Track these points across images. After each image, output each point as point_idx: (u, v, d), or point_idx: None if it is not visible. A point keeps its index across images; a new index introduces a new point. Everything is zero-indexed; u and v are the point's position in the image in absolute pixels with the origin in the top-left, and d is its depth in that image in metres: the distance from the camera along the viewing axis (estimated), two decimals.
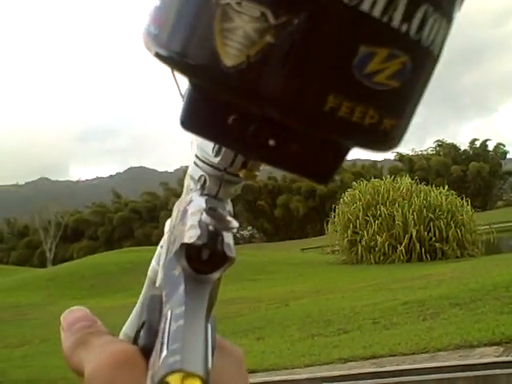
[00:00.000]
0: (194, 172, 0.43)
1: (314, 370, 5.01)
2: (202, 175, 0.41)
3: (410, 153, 69.32)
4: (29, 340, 10.33)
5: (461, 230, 20.52)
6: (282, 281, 17.56)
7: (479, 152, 67.10)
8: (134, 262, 20.72)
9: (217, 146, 0.39)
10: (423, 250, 19.89)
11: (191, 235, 0.34)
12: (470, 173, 63.36)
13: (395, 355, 5.26)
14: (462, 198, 22.09)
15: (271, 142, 0.29)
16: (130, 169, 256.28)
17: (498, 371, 1.97)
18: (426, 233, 20.18)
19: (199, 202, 0.38)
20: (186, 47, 0.28)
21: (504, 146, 68.06)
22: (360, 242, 20.84)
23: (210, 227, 0.35)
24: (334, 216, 22.51)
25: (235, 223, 0.37)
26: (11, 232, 67.62)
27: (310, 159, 0.30)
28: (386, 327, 6.71)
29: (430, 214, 20.60)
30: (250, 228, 68.97)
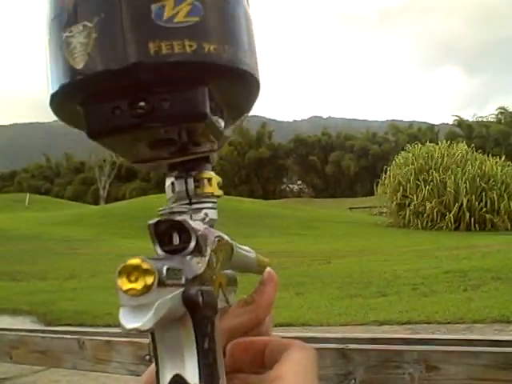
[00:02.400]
0: None
1: (348, 329, 5.12)
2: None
3: (470, 118, 67.53)
4: (78, 274, 10.78)
5: None
6: (327, 238, 17.66)
7: None
8: None
9: (169, 185, 0.45)
10: (472, 219, 19.61)
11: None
12: None
13: (430, 323, 5.32)
14: None
15: (142, 105, 0.36)
16: None
17: None
18: (477, 202, 19.85)
19: None
20: (59, 76, 0.37)
21: None
22: (409, 206, 20.67)
23: (169, 211, 0.40)
24: (385, 178, 22.33)
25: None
26: (68, 167, 69.46)
27: (183, 107, 0.37)
28: (425, 294, 6.75)
29: (483, 184, 20.22)
30: (299, 182, 68.96)
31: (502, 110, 67.82)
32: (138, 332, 0.32)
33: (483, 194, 20.05)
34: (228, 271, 0.45)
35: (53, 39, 0.38)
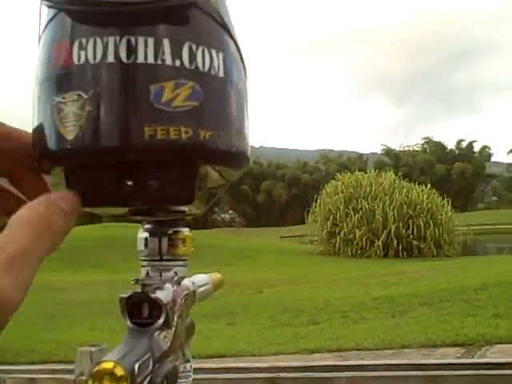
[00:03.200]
0: (141, 274, 0.46)
1: (280, 358, 5.10)
2: (146, 270, 0.45)
3: (398, 148, 69.70)
4: None
5: (439, 230, 20.74)
6: (258, 267, 17.66)
7: (465, 152, 67.55)
8: (112, 238, 20.72)
9: (144, 240, 0.44)
10: (400, 246, 20.09)
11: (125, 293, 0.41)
12: (454, 172, 63.79)
13: (360, 349, 5.36)
14: (443, 198, 22.30)
15: (130, 183, 0.36)
16: None
17: (446, 372, 2.05)
18: (404, 230, 20.37)
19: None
20: (46, 143, 0.37)
21: (489, 148, 68.62)
22: (339, 234, 20.98)
23: (142, 283, 0.42)
24: (316, 206, 22.63)
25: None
26: None
27: (170, 187, 0.37)
28: (355, 321, 6.82)
29: (409, 211, 20.79)
30: (231, 212, 69.01)
31: (427, 140, 70.49)
32: None
33: (410, 221, 20.60)
34: (187, 321, 0.46)
35: (43, 98, 0.37)
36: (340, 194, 21.73)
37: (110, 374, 0.33)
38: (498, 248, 24.08)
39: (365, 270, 13.99)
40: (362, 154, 75.47)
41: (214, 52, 0.37)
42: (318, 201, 22.62)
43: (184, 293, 0.43)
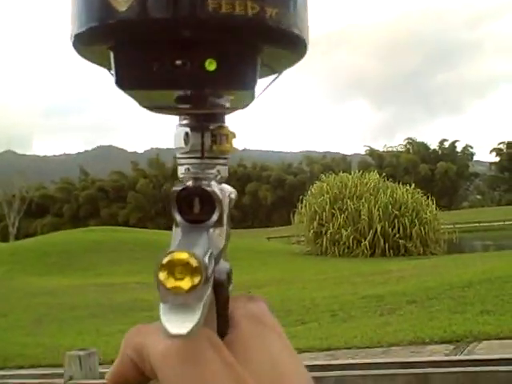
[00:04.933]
0: (180, 172, 0.42)
1: None
2: (185, 168, 0.41)
3: (381, 149, 70.10)
4: None
5: (424, 228, 20.88)
6: (246, 268, 17.63)
7: (448, 152, 68.05)
8: (98, 242, 20.60)
9: (184, 136, 0.39)
10: (387, 245, 20.19)
11: (177, 186, 0.37)
12: (438, 172, 64.24)
13: (350, 348, 5.38)
14: (427, 197, 22.46)
15: (187, 63, 0.33)
16: (99, 147, 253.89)
17: (434, 370, 2.07)
18: (390, 229, 20.48)
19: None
20: (88, 18, 0.32)
21: (472, 147, 69.25)
22: (325, 234, 21.04)
23: (194, 176, 0.38)
24: (301, 207, 22.67)
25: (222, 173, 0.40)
26: None
27: (233, 73, 0.33)
28: (344, 320, 6.84)
29: (395, 211, 20.90)
30: None
31: (410, 141, 70.90)
32: (183, 338, 0.30)
33: (396, 220, 20.72)
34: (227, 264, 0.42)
35: None
36: (325, 195, 21.80)
37: (185, 264, 0.30)
38: (484, 245, 24.29)
39: (352, 269, 14.04)
40: (345, 155, 75.78)
41: None
42: (304, 201, 22.68)
43: (228, 193, 0.40)
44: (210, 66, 0.33)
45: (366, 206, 20.82)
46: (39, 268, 18.25)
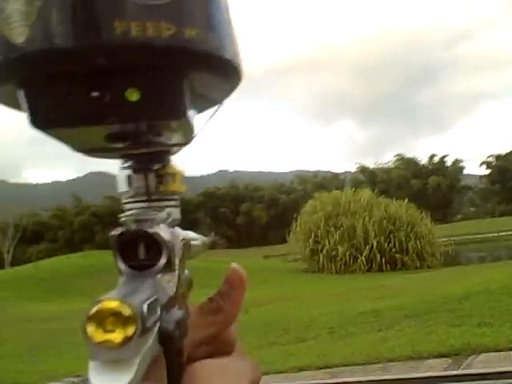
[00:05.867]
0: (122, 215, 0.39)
1: (268, 378, 5.08)
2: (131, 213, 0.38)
3: (372, 166, 70.42)
4: None
5: (420, 242, 20.87)
6: None
7: (438, 167, 68.34)
8: (94, 266, 20.52)
9: (127, 179, 0.37)
10: (383, 260, 20.17)
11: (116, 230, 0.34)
12: (430, 186, 64.43)
13: (348, 365, 5.36)
14: (421, 211, 22.51)
15: (102, 95, 0.29)
16: (90, 174, 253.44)
17: None
18: (386, 244, 20.47)
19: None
20: None
21: (462, 161, 69.60)
22: (321, 251, 21.01)
23: (136, 218, 0.35)
24: (296, 225, 22.67)
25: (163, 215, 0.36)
26: None
27: (158, 101, 0.30)
28: (342, 337, 6.82)
29: (390, 226, 20.92)
30: (212, 234, 68.74)
31: (399, 157, 71.29)
32: None
33: (391, 235, 20.73)
34: (186, 273, 0.39)
35: None
36: (319, 213, 21.81)
37: (115, 314, 0.27)
38: (480, 257, 24.30)
39: (349, 285, 14.01)
40: (337, 173, 76.06)
41: None
42: (298, 220, 22.67)
43: (181, 237, 0.36)
44: (132, 96, 0.29)
45: (361, 221, 20.83)
46: (36, 294, 18.15)
